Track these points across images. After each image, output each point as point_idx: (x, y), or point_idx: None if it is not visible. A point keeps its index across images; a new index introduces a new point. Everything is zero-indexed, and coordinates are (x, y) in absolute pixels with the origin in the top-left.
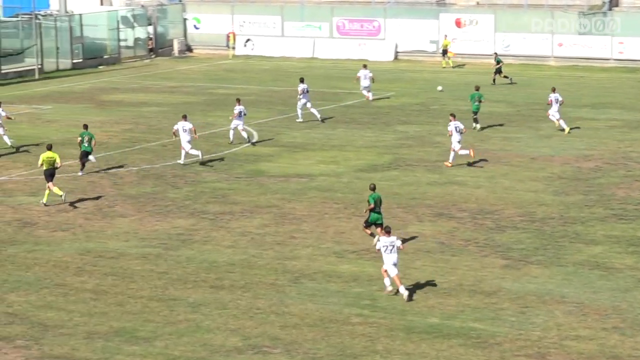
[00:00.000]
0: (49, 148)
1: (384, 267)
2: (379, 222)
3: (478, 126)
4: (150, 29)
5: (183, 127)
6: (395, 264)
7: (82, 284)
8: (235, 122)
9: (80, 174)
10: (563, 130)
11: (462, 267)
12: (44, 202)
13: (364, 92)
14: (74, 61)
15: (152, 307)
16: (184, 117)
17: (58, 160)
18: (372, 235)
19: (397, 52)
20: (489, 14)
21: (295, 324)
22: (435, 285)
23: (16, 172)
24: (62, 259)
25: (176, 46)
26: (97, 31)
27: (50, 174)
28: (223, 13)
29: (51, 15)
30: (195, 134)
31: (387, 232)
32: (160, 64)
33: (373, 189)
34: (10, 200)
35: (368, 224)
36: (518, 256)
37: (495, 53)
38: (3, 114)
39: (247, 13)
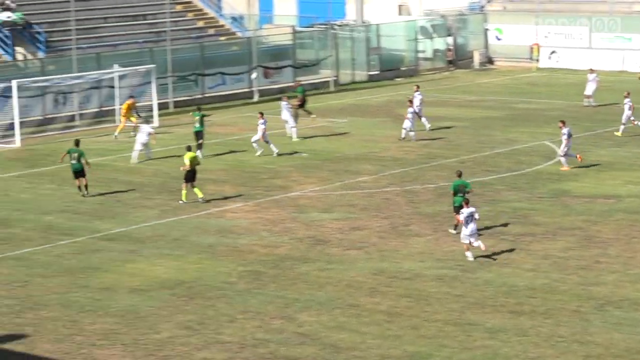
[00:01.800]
0: (189, 149)
1: (462, 238)
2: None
3: None
4: (450, 39)
5: None
6: (472, 234)
7: (376, 305)
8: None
9: (82, 194)
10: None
11: None
12: (183, 200)
13: None
14: (370, 73)
15: (447, 331)
16: None
17: (198, 160)
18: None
19: None
20: None
21: (599, 354)
22: None
23: (309, 188)
24: (355, 278)
25: (476, 58)
26: (395, 42)
27: (192, 175)
28: (526, 24)
29: (347, 25)
30: None
31: (466, 203)
32: (459, 77)
33: (459, 175)
34: (303, 216)
35: (456, 210)
36: None
37: None
38: (151, 130)
39: (552, 24)
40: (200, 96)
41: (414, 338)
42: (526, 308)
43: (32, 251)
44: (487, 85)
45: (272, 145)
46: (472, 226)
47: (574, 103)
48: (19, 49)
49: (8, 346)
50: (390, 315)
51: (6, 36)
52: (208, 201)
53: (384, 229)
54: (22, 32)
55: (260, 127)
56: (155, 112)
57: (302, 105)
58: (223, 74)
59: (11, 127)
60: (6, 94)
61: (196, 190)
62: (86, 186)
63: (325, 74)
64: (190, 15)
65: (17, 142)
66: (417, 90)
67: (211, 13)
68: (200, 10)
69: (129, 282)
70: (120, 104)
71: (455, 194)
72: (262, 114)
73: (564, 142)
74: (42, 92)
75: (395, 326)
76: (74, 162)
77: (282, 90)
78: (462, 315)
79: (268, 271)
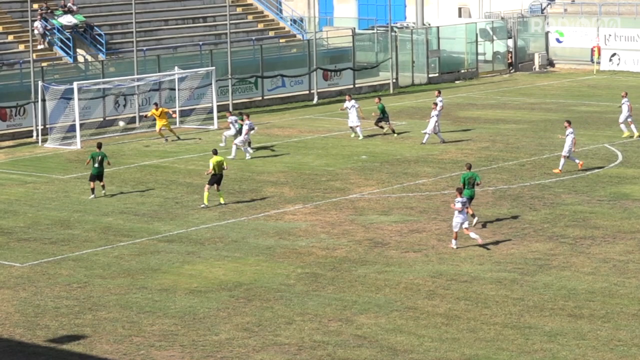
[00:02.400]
0: (215, 153)
1: (454, 227)
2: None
3: None
4: (510, 42)
5: None
6: (462, 223)
7: (434, 308)
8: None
9: (91, 197)
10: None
11: None
12: (205, 204)
13: None
14: (430, 75)
15: (506, 334)
16: None
17: (225, 164)
18: (473, 215)
19: None
20: None
21: None
22: None
23: (368, 190)
24: (414, 281)
25: (537, 60)
26: (455, 44)
27: (217, 179)
28: (587, 26)
29: (407, 27)
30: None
31: (460, 192)
32: (519, 79)
33: (469, 167)
34: (361, 218)
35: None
36: None
37: None
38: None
39: (613, 26)
40: (259, 98)
41: (472, 341)
42: (585, 312)
43: (92, 252)
44: (547, 87)
45: (249, 148)
46: (463, 216)
47: (635, 106)
48: (80, 51)
49: (67, 347)
50: (448, 318)
51: (67, 39)
52: (252, 200)
53: (442, 231)
54: (83, 35)
55: (245, 129)
56: (215, 114)
57: (379, 120)
58: (282, 76)
59: (72, 128)
60: (67, 96)
61: (220, 195)
62: (103, 186)
63: (384, 77)
64: (250, 18)
65: (77, 143)
66: (438, 96)
67: (271, 15)
68: (261, 12)
69: (187, 283)
70: (180, 106)
71: (464, 186)
72: (248, 115)
73: (569, 142)
74: (102, 94)
75: (453, 329)
76: (96, 165)
77: (341, 93)
78: (520, 319)
79: (326, 273)
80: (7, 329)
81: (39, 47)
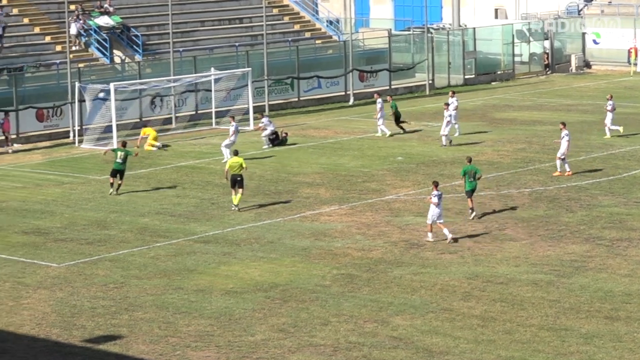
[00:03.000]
0: (236, 154)
1: (428, 219)
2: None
3: None
4: (547, 43)
5: None
6: (440, 217)
7: (470, 310)
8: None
9: (111, 192)
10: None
11: None
12: (235, 204)
13: None
14: (466, 77)
15: (542, 336)
16: None
17: (244, 165)
18: (472, 209)
19: None
20: None
21: None
22: None
23: (404, 191)
24: (449, 282)
25: (573, 62)
26: (491, 45)
27: (236, 181)
28: (625, 27)
29: (443, 28)
30: None
31: (436, 185)
32: (555, 81)
33: (469, 160)
34: (397, 220)
35: (467, 194)
36: None
37: None
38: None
39: None
40: (295, 99)
41: (508, 343)
42: (622, 314)
43: (128, 253)
44: (584, 89)
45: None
46: (439, 210)
47: None
48: (116, 52)
49: (103, 347)
50: (484, 320)
51: (104, 40)
52: (262, 206)
53: (478, 233)
54: (119, 36)
55: (231, 130)
56: (251, 115)
57: (396, 120)
58: (319, 77)
59: (108, 129)
60: (104, 97)
61: (237, 195)
62: (119, 186)
63: (420, 78)
64: (286, 19)
65: (114, 144)
66: (452, 96)
67: (307, 16)
68: (297, 13)
69: (223, 284)
70: (216, 107)
71: (466, 179)
72: (233, 117)
73: (564, 145)
74: (138, 95)
75: (489, 331)
76: (119, 161)
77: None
78: (556, 321)
79: (362, 274)
80: (44, 329)
81: (74, 48)
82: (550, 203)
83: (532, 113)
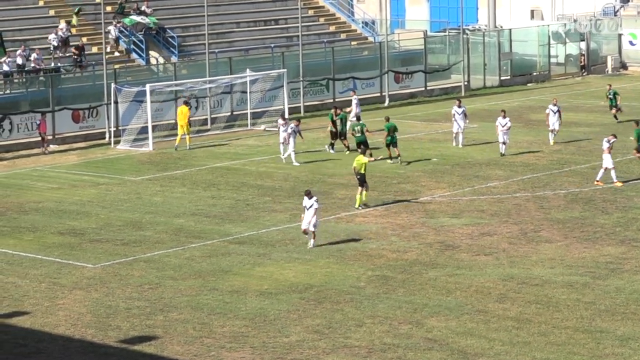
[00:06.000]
0: (363, 153)
1: (303, 224)
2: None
3: None
4: (583, 44)
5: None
6: (309, 222)
7: (505, 312)
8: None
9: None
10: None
11: None
12: (356, 206)
13: None
14: (502, 78)
15: (577, 338)
16: None
17: (366, 162)
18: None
19: None
20: None
21: None
22: None
23: (439, 192)
24: (484, 284)
25: (609, 63)
26: (527, 47)
27: (360, 179)
28: None
29: (479, 30)
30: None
31: (308, 194)
32: (591, 82)
33: (387, 119)
34: (432, 221)
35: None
36: None
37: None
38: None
39: None
40: (330, 101)
41: (543, 345)
42: None
43: (164, 254)
44: (620, 90)
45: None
46: (309, 215)
47: None
48: (152, 54)
49: (138, 347)
50: (519, 322)
51: (140, 41)
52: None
53: (513, 234)
54: (155, 37)
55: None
56: (287, 117)
57: (339, 135)
58: (354, 78)
59: (144, 130)
60: (139, 98)
61: (361, 197)
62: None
63: (456, 79)
64: (321, 20)
65: (149, 145)
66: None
67: (343, 18)
68: (332, 15)
69: (258, 285)
70: (252, 108)
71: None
72: (283, 116)
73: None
74: (174, 97)
75: (524, 333)
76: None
77: (412, 95)
78: (592, 323)
79: (396, 276)
80: (80, 329)
81: (116, 53)
82: (585, 205)
83: (568, 114)
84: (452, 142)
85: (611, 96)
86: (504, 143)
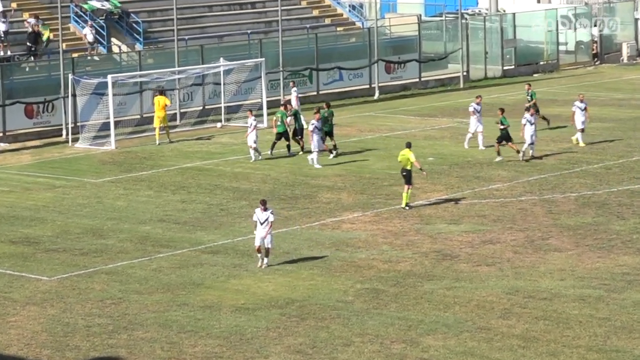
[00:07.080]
0: (409, 146)
1: (256, 240)
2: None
3: None
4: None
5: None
6: (263, 238)
7: (509, 329)
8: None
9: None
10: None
11: None
12: (402, 205)
13: None
14: (505, 68)
15: (590, 358)
16: None
17: (412, 160)
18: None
19: None
20: None
21: None
22: None
23: (435, 196)
24: (487, 298)
25: (625, 51)
26: (533, 33)
27: (406, 176)
28: None
29: (479, 14)
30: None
31: (263, 203)
32: (605, 72)
33: (328, 105)
34: (428, 228)
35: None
36: None
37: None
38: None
39: None
40: (314, 93)
41: None
42: None
43: (128, 264)
44: (637, 81)
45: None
46: (264, 230)
47: None
48: (114, 41)
49: None
50: (525, 340)
51: (100, 27)
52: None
53: (519, 242)
54: (118, 23)
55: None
56: (265, 111)
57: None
58: (340, 68)
59: (105, 127)
60: (100, 91)
61: (406, 196)
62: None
63: (454, 69)
64: (303, 4)
65: (111, 143)
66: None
67: (327, 1)
68: None
69: (233, 300)
70: (227, 102)
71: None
72: (250, 111)
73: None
74: (139, 89)
75: (531, 352)
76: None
77: (404, 87)
78: (606, 341)
79: (388, 289)
80: (34, 349)
81: (95, 58)
82: (599, 209)
83: None
84: (465, 143)
85: (529, 97)
86: (532, 144)
